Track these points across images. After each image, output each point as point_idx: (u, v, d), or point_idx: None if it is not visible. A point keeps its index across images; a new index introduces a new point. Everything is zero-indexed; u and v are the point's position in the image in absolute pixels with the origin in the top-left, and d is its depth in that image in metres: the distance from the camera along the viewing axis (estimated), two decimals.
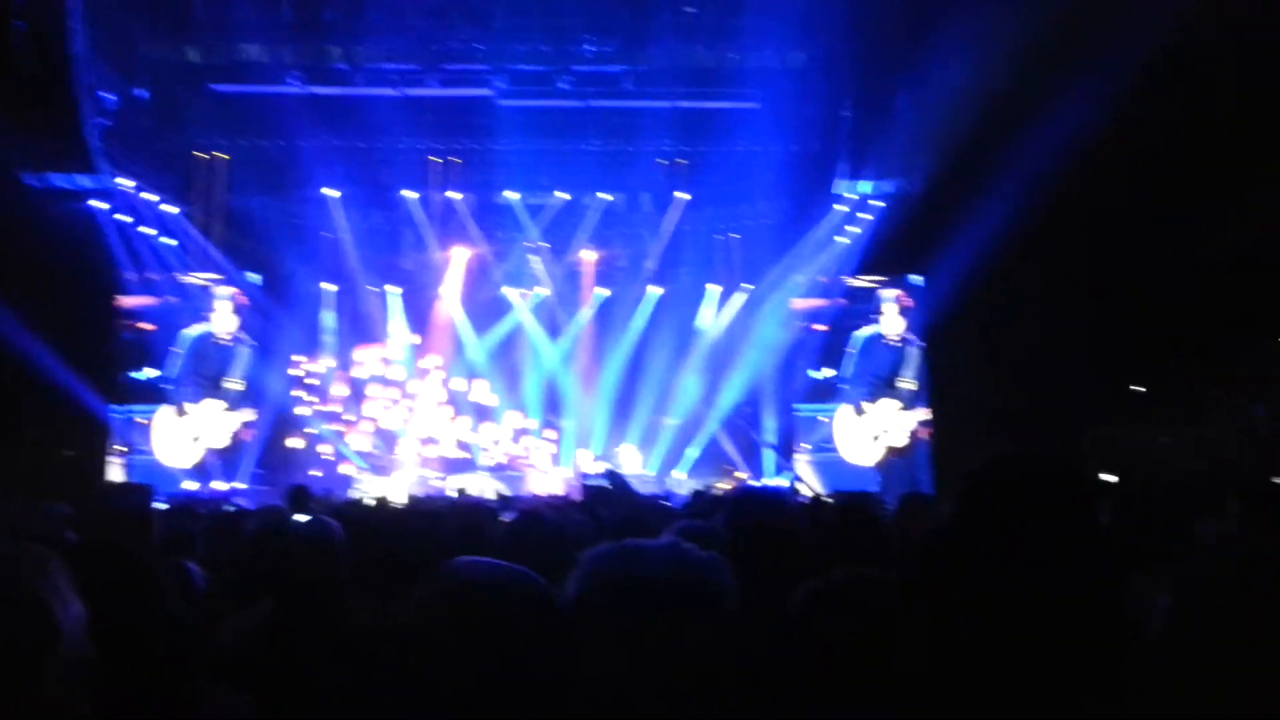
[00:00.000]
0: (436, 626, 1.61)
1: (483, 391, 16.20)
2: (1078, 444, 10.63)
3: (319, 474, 14.71)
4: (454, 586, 1.67)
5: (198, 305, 13.45)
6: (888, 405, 12.06)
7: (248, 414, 12.73)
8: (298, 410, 15.16)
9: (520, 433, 16.13)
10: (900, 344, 12.19)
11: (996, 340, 12.38)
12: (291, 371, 15.28)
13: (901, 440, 11.96)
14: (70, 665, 1.26)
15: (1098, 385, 12.44)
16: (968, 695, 1.38)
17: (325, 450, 15.41)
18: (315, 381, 15.80)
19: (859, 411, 12.09)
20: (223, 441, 12.31)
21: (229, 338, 12.68)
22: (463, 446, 15.95)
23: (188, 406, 12.35)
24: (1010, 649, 1.39)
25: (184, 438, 12.33)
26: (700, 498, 6.72)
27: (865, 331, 12.40)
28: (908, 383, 12.05)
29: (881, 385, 12.13)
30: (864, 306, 13.04)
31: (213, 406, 12.38)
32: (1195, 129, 10.94)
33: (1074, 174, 10.87)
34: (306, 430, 15.29)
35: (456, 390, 16.18)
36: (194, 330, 12.79)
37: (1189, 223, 11.47)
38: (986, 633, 1.42)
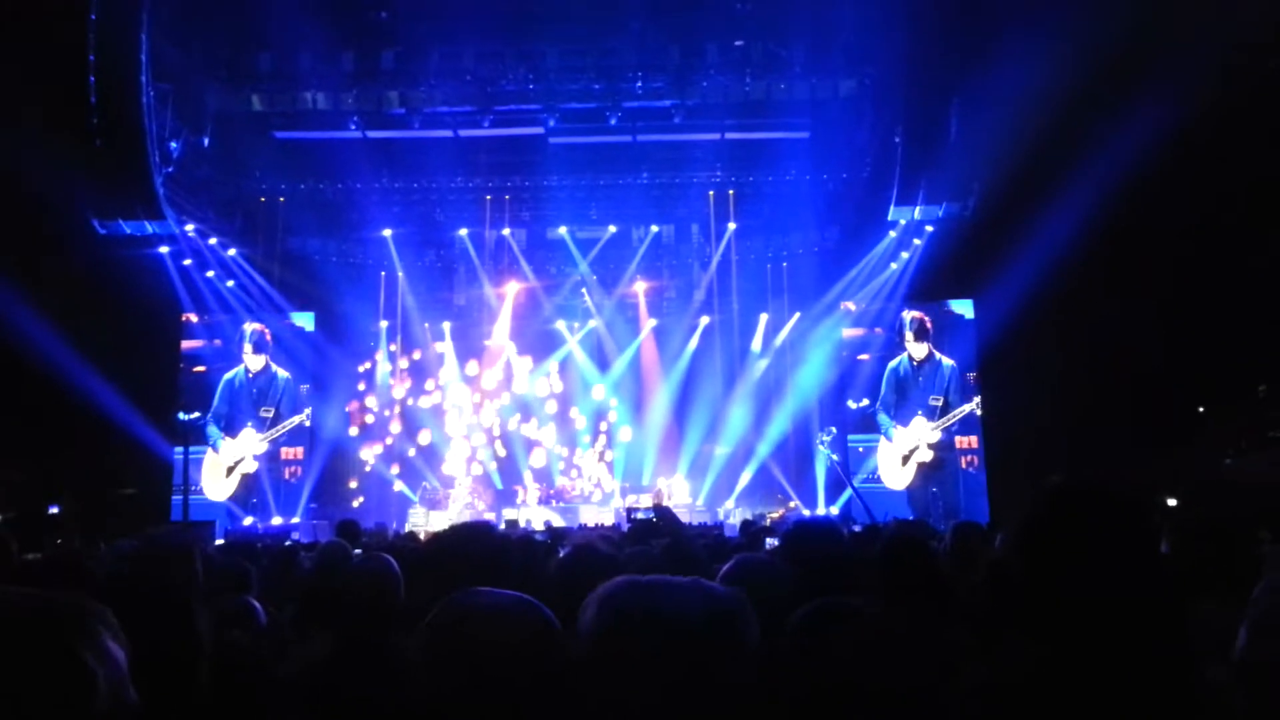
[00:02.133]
0: (437, 658, 1.62)
1: (534, 424, 16.31)
2: (1139, 468, 10.37)
3: (391, 506, 14.99)
4: (455, 618, 1.67)
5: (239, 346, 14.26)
6: (917, 424, 12.47)
7: (292, 422, 13.70)
8: (353, 445, 15.42)
9: (571, 465, 16.20)
10: (926, 366, 12.66)
11: (1051, 364, 12.19)
12: (347, 408, 15.56)
13: (928, 455, 12.38)
14: (111, 715, 1.28)
15: (1160, 406, 12.15)
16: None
17: (380, 484, 15.62)
18: (370, 418, 16.05)
19: (889, 439, 12.52)
20: (253, 466, 13.44)
21: (259, 371, 13.87)
22: (514, 479, 16.07)
23: (224, 442, 13.51)
24: (1074, 674, 1.38)
25: (220, 471, 13.47)
26: (750, 527, 6.67)
27: (893, 363, 13.06)
28: (936, 400, 12.45)
29: (911, 408, 12.61)
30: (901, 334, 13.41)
31: (246, 437, 13.57)
32: (1257, 146, 10.71)
33: (1127, 197, 10.70)
34: (360, 462, 15.53)
35: (509, 423, 16.31)
36: (229, 374, 13.98)
37: (1252, 242, 11.20)
38: (1051, 659, 1.41)
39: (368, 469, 15.56)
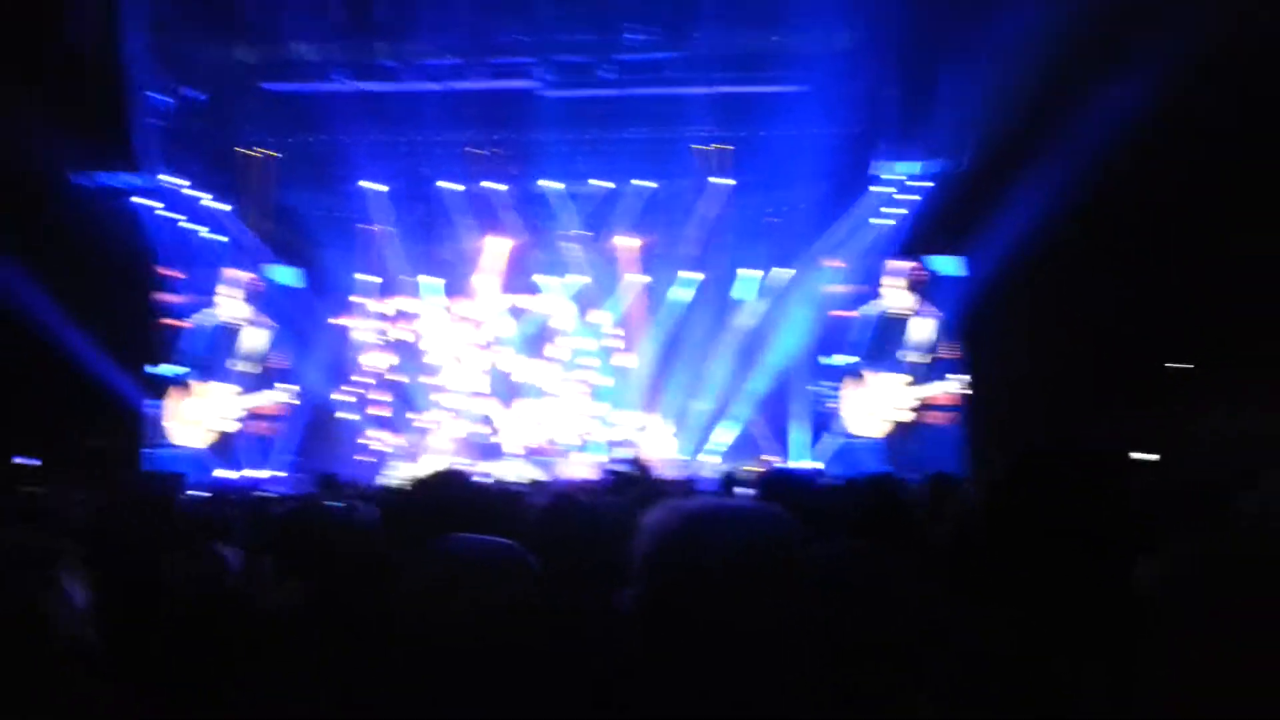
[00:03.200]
0: (414, 599, 1.61)
1: (517, 377, 16.32)
2: (1119, 427, 10.43)
3: (369, 460, 15.00)
4: (439, 563, 1.66)
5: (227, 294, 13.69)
6: (893, 379, 11.98)
7: (281, 394, 13.02)
8: (335, 398, 15.34)
9: (553, 418, 16.24)
10: (910, 317, 12.11)
11: (1038, 322, 12.23)
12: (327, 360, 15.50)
13: (907, 416, 11.87)
14: (70, 654, 1.27)
15: (1141, 367, 12.22)
16: (999, 670, 1.38)
17: (361, 438, 15.60)
18: (355, 374, 16.03)
19: (859, 381, 12.09)
20: (233, 425, 12.67)
21: (241, 322, 13.02)
22: (495, 432, 16.09)
23: (195, 387, 12.68)
24: (1035, 630, 1.39)
25: (189, 420, 12.70)
26: (728, 480, 6.70)
27: (876, 310, 12.42)
28: (917, 356, 11.91)
29: (884, 358, 12.07)
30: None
31: (221, 390, 12.74)
32: (1251, 107, 10.65)
33: (1120, 154, 10.66)
34: (342, 417, 15.46)
35: (491, 376, 16.31)
36: (210, 320, 13.13)
37: (1241, 201, 11.18)
38: (1015, 615, 1.42)
39: (351, 421, 15.54)
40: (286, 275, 14.79)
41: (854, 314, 13.75)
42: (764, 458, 14.72)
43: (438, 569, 1.66)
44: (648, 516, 1.45)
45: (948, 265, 13.62)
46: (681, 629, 1.29)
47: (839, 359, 13.08)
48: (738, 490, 5.56)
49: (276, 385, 13.14)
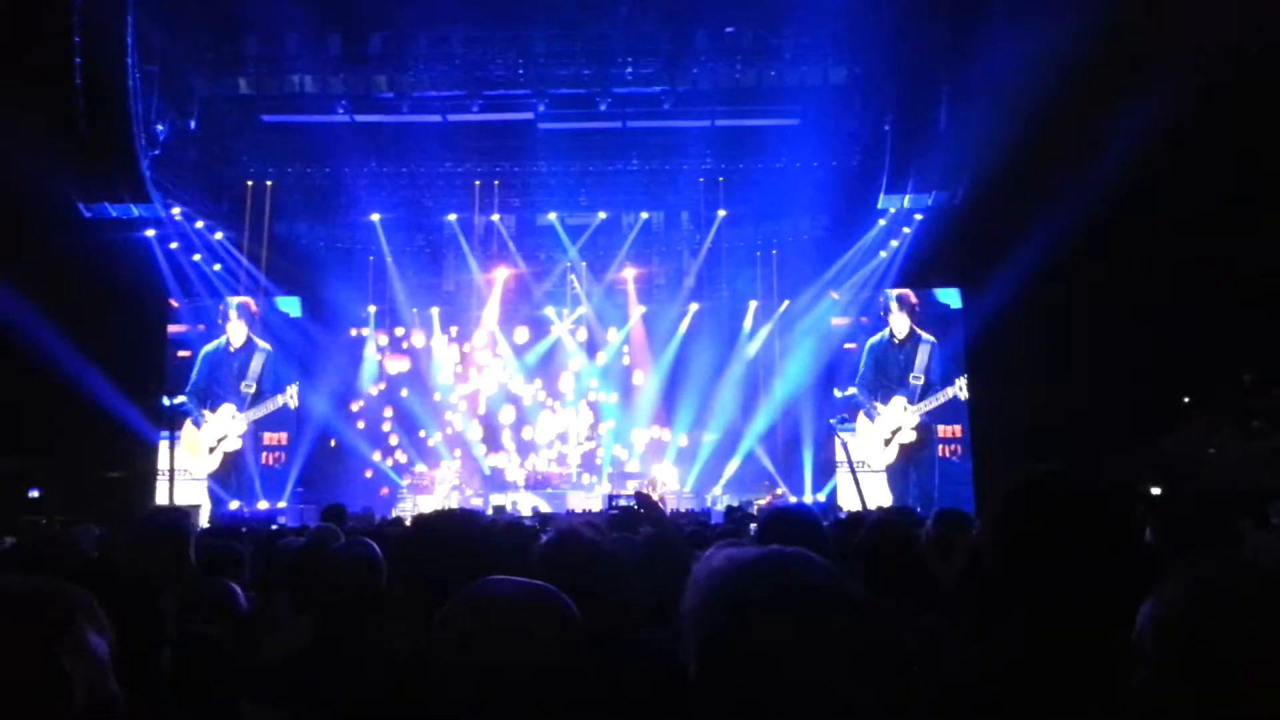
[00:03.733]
0: (453, 645, 1.60)
1: (522, 411, 16.34)
2: (1124, 455, 10.44)
3: (379, 490, 15.00)
4: (473, 605, 1.66)
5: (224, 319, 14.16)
6: (896, 403, 12.65)
7: (285, 398, 13.62)
8: (340, 429, 15.36)
9: (558, 450, 16.25)
10: (907, 343, 12.90)
11: (1039, 351, 12.26)
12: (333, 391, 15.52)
13: (910, 436, 12.47)
14: (93, 710, 1.26)
15: (1145, 396, 12.24)
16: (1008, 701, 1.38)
17: (369, 468, 15.61)
18: (359, 403, 16.04)
19: (871, 418, 12.65)
20: (236, 444, 13.35)
21: (240, 345, 13.75)
22: (501, 464, 16.09)
23: (206, 415, 13.44)
24: (1046, 662, 1.39)
25: (202, 448, 13.38)
26: (735, 513, 6.67)
27: (875, 338, 13.14)
28: (916, 378, 12.64)
29: (893, 387, 12.74)
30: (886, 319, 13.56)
31: (227, 413, 13.49)
32: (1247, 138, 10.75)
33: (1115, 187, 10.74)
34: (347, 448, 15.48)
35: (495, 407, 16.33)
36: (210, 346, 13.82)
37: (1242, 233, 11.26)
38: (1025, 647, 1.41)
39: (357, 452, 15.54)
40: (289, 305, 14.82)
41: (854, 346, 13.93)
42: (775, 490, 14.68)
43: (477, 614, 1.64)
44: (699, 568, 1.31)
45: (947, 296, 13.77)
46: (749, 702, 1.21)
47: (850, 390, 13.34)
48: (751, 526, 5.54)
49: (280, 394, 13.70)
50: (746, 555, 1.25)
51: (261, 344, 13.75)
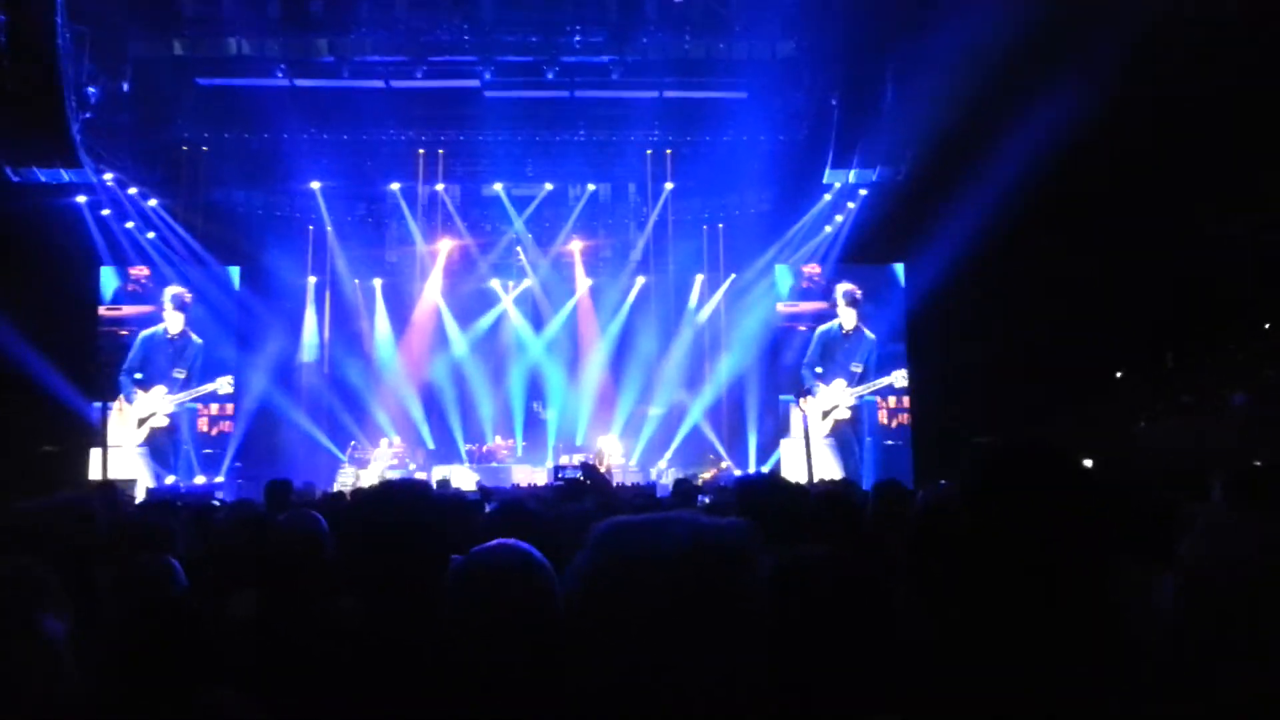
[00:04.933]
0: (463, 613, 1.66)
1: (466, 383, 16.23)
2: (1055, 430, 10.70)
3: (316, 462, 14.77)
4: (477, 577, 1.72)
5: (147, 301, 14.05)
6: (838, 384, 13.82)
7: (220, 384, 13.73)
8: (279, 404, 15.09)
9: (504, 424, 16.18)
10: (853, 334, 13.90)
11: (973, 328, 12.53)
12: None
13: (845, 415, 13.79)
14: (47, 692, 1.23)
15: (1079, 372, 12.56)
16: (963, 669, 1.40)
17: (307, 443, 15.36)
18: (299, 375, 15.79)
19: (813, 394, 13.81)
20: (163, 421, 13.58)
21: (177, 334, 13.82)
22: (445, 438, 15.98)
23: (137, 394, 13.57)
24: (1006, 626, 1.41)
25: (131, 421, 13.52)
26: (682, 486, 6.70)
27: (824, 327, 14.06)
28: (857, 367, 13.83)
29: (834, 371, 13.87)
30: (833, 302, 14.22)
31: (158, 392, 13.66)
32: (1179, 121, 10.99)
33: (1058, 165, 10.93)
34: (286, 422, 15.21)
35: (438, 380, 16.19)
36: (147, 331, 13.81)
37: (1173, 212, 11.54)
38: (984, 609, 1.43)
39: (296, 426, 15.29)
40: (225, 276, 14.51)
41: (801, 327, 14.19)
42: (720, 464, 14.80)
43: (478, 583, 1.72)
44: (595, 527, 1.35)
45: (890, 272, 14.03)
46: (609, 639, 1.24)
47: (805, 374, 13.89)
48: (700, 498, 5.57)
49: (217, 378, 13.77)
50: (635, 518, 1.29)
51: (195, 338, 13.88)
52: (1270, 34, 9.91)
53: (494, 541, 2.08)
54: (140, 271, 13.98)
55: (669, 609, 1.19)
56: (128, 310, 13.93)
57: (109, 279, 13.97)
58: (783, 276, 14.42)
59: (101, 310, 13.87)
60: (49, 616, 1.26)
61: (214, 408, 13.94)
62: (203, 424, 13.89)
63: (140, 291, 13.96)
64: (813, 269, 14.35)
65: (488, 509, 4.23)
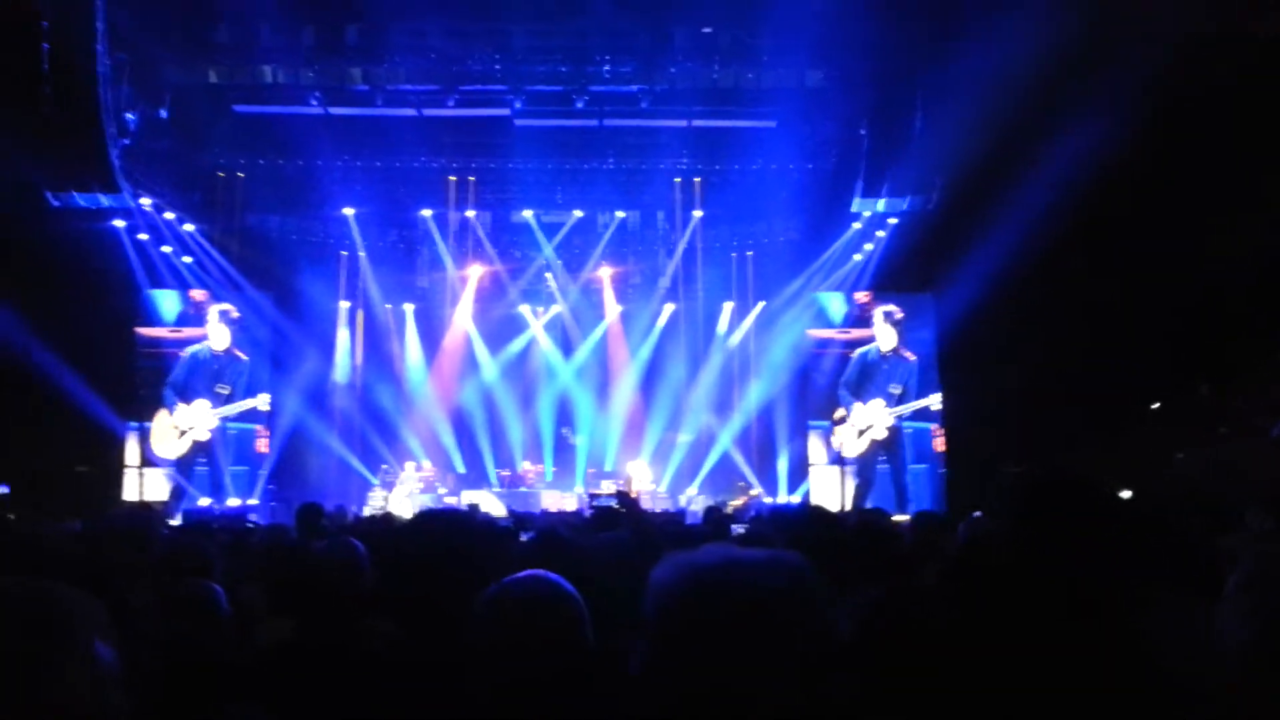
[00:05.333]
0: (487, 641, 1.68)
1: (496, 408, 16.29)
2: (1091, 460, 10.58)
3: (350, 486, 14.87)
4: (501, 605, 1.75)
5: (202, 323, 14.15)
6: (876, 404, 13.66)
7: (258, 401, 13.79)
8: (312, 426, 15.22)
9: (533, 449, 16.22)
10: (892, 356, 13.70)
11: (1007, 357, 12.42)
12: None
13: (883, 434, 13.60)
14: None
15: (1113, 399, 12.42)
16: (1002, 700, 1.40)
17: (339, 465, 15.47)
18: (333, 399, 15.92)
19: (849, 413, 13.70)
20: (205, 436, 13.63)
21: (222, 351, 13.86)
22: (475, 462, 16.02)
23: (179, 406, 13.64)
24: (1047, 658, 1.41)
25: (173, 433, 13.60)
26: (713, 514, 6.69)
27: (862, 349, 13.89)
28: (896, 388, 13.66)
29: (872, 392, 13.71)
30: (869, 325, 14.04)
31: (201, 406, 13.73)
32: (1206, 147, 10.91)
33: (1086, 193, 10.88)
34: (319, 444, 15.34)
35: (469, 405, 16.27)
36: (194, 348, 13.90)
37: (1202, 240, 11.43)
38: (1025, 641, 1.43)
39: (329, 448, 15.41)
40: (260, 300, 14.70)
41: (833, 351, 14.14)
42: (751, 491, 14.74)
43: (508, 612, 1.76)
44: (655, 571, 1.35)
45: (921, 301, 13.97)
46: (690, 694, 1.23)
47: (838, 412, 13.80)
48: (735, 528, 5.55)
49: (255, 396, 13.84)
50: (698, 557, 1.28)
51: (241, 355, 13.98)
52: None
53: (525, 572, 2.10)
54: (199, 295, 14.22)
55: (757, 644, 1.19)
56: (189, 332, 14.15)
57: (172, 302, 14.23)
58: (835, 303, 14.32)
59: (164, 332, 14.10)
60: (103, 643, 1.28)
61: (258, 428, 14.12)
62: (261, 445, 14.13)
63: (198, 314, 14.18)
64: (864, 296, 14.20)
65: (523, 537, 4.25)
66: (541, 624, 1.86)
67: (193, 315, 14.13)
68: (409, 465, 15.39)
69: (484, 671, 1.81)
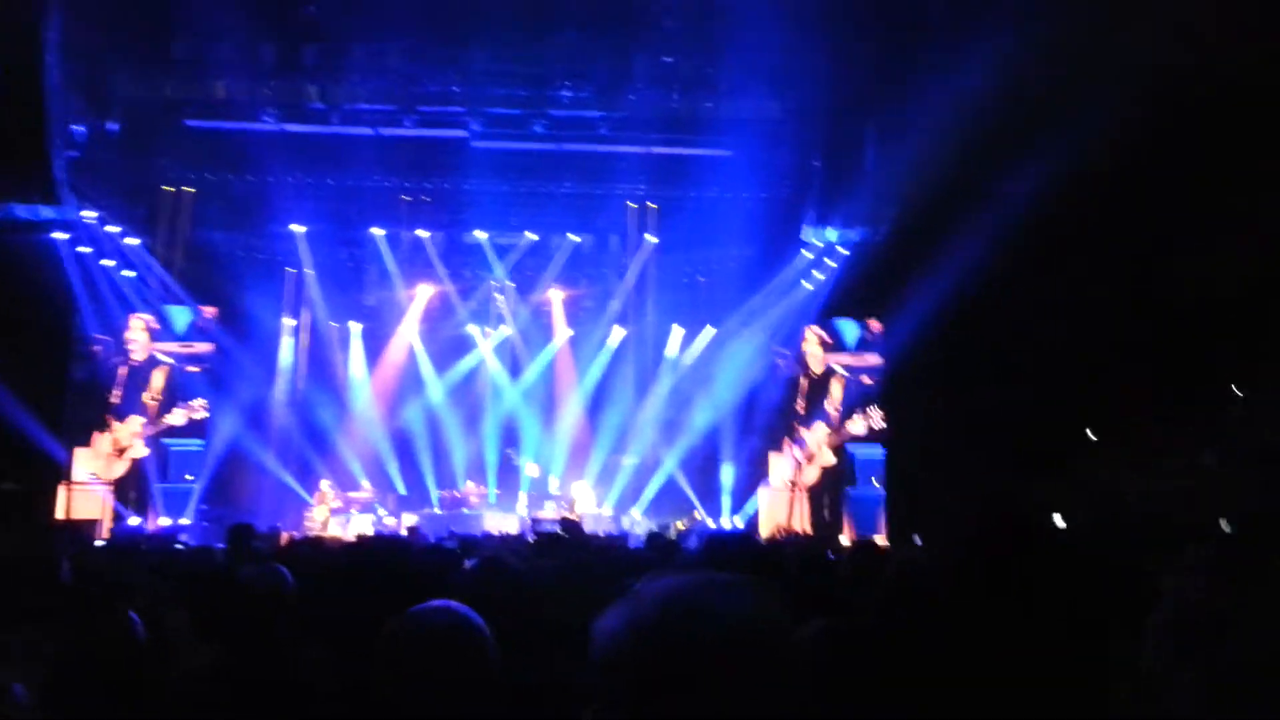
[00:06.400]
0: (390, 675, 1.64)
1: (440, 429, 16.14)
2: (1030, 488, 10.70)
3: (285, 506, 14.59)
4: (408, 640, 1.70)
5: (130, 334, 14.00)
6: (819, 428, 13.73)
7: (194, 409, 13.66)
8: (247, 445, 14.89)
9: (476, 471, 16.07)
10: (823, 376, 13.90)
11: (952, 383, 12.56)
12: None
13: (830, 459, 13.61)
14: None
15: (1051, 429, 12.59)
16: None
17: (275, 485, 15.14)
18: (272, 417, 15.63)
19: (797, 443, 13.81)
20: (143, 451, 13.44)
21: (143, 360, 13.79)
22: (416, 483, 15.82)
23: (114, 425, 13.40)
24: (985, 690, 1.40)
25: (112, 452, 13.34)
26: (657, 540, 6.63)
27: (799, 372, 14.15)
28: (835, 408, 13.79)
29: (813, 415, 13.83)
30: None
31: (135, 421, 13.53)
32: (1157, 185, 11.16)
33: (1029, 226, 11.07)
34: (254, 463, 15.00)
35: (413, 426, 16.09)
36: (123, 363, 13.72)
37: (1141, 272, 11.68)
38: (962, 673, 1.43)
39: (265, 468, 15.09)
40: (183, 314, 14.53)
41: (777, 375, 14.26)
42: (694, 514, 14.75)
43: (409, 645, 1.70)
44: (605, 618, 1.24)
45: (861, 330, 14.15)
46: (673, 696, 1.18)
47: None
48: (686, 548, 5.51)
49: (190, 402, 13.73)
50: (661, 589, 1.23)
51: (164, 358, 13.80)
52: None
53: (428, 603, 2.07)
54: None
55: (734, 667, 1.15)
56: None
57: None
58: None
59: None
60: (17, 685, 1.21)
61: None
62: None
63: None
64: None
65: (467, 564, 4.17)
66: (444, 657, 1.82)
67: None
68: (324, 484, 14.95)
69: (390, 705, 1.77)
